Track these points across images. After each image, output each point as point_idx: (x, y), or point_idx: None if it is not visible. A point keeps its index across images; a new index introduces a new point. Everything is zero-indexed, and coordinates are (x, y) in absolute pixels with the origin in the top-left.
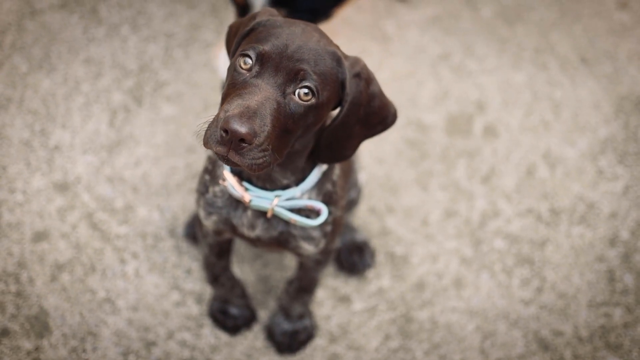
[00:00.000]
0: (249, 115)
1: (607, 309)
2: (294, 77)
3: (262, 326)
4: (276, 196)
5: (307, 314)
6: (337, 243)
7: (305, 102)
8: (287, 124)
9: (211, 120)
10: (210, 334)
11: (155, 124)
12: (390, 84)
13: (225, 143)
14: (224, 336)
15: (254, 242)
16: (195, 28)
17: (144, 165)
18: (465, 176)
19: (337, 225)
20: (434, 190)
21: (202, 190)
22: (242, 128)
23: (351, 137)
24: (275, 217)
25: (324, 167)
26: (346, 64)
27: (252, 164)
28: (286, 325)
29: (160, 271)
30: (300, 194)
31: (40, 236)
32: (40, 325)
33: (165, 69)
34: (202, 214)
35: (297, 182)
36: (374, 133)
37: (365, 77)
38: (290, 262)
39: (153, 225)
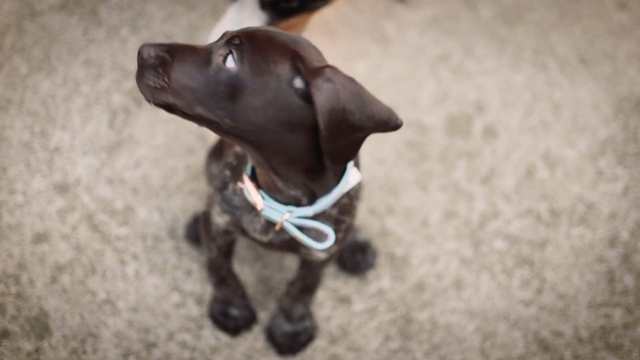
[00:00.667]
0: (156, 46)
1: (607, 309)
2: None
3: (262, 327)
4: (288, 211)
5: (308, 315)
6: (345, 243)
7: (229, 71)
8: (209, 87)
9: None
10: (211, 335)
11: (155, 125)
12: (390, 85)
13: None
14: (224, 337)
15: (266, 245)
16: (195, 29)
17: (144, 167)
18: (465, 177)
19: (347, 232)
20: (433, 191)
21: (220, 186)
22: (143, 53)
23: (354, 144)
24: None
25: (344, 188)
26: (311, 65)
27: (138, 81)
28: (287, 327)
29: (160, 272)
30: (313, 213)
31: (40, 237)
32: (40, 327)
33: None
34: (216, 209)
35: (308, 198)
36: (375, 131)
37: (341, 82)
38: (290, 263)
39: (153, 227)
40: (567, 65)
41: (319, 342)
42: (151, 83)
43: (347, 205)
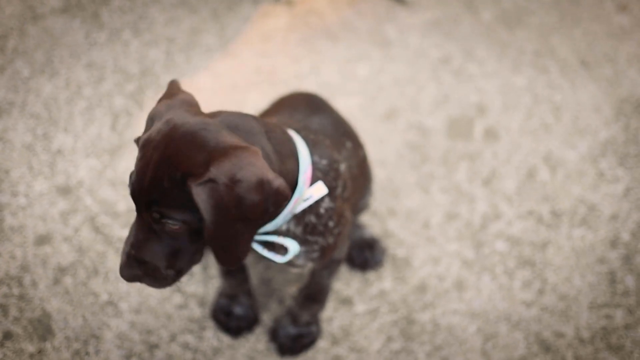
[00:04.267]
0: (129, 263)
1: (608, 310)
2: (153, 217)
3: (264, 329)
4: None
5: (314, 322)
6: (344, 252)
7: (177, 229)
8: (173, 246)
9: None
10: (213, 336)
11: None
12: (391, 88)
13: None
14: (226, 339)
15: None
16: (197, 33)
17: None
18: (466, 179)
19: (326, 252)
20: (435, 193)
21: None
22: (125, 276)
23: (237, 235)
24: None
25: (296, 209)
26: (195, 172)
27: (160, 287)
28: (292, 329)
29: None
30: (273, 228)
31: (43, 239)
32: (43, 328)
33: (166, 73)
34: None
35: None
36: (261, 224)
37: (224, 181)
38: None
39: None
40: (568, 68)
41: (321, 343)
42: (165, 282)
43: (316, 225)
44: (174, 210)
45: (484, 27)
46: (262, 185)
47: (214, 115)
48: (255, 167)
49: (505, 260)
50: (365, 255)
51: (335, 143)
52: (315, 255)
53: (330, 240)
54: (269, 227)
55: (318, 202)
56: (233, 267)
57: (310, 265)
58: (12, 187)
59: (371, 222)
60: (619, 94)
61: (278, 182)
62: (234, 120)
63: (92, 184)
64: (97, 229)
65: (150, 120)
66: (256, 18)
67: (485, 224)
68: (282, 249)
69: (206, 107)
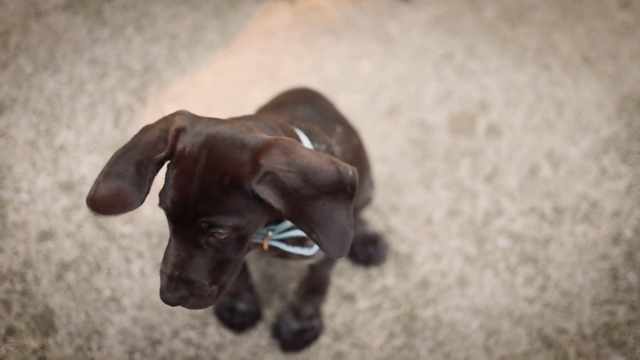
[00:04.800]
0: (174, 285)
1: (610, 306)
2: (200, 229)
3: (266, 325)
4: (269, 230)
5: (316, 316)
6: None
7: (225, 240)
8: (218, 260)
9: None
10: (215, 332)
11: None
12: (394, 84)
13: (170, 305)
14: (229, 335)
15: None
16: (199, 29)
17: None
18: (469, 175)
19: None
20: (437, 189)
21: None
22: (171, 299)
23: (329, 211)
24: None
25: None
26: (247, 172)
27: (203, 307)
28: (294, 325)
29: None
30: (291, 224)
31: (45, 235)
32: (46, 324)
33: (169, 70)
34: None
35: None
36: (349, 197)
37: (280, 168)
38: (295, 262)
39: (158, 225)
40: (571, 65)
41: (323, 339)
42: (207, 303)
43: None
44: (225, 217)
45: (486, 24)
46: (318, 160)
47: (230, 121)
48: (301, 148)
49: (507, 257)
50: (369, 250)
51: (325, 128)
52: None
53: None
54: (288, 222)
55: None
56: (341, 252)
57: (321, 256)
58: (14, 183)
59: (374, 218)
60: (621, 91)
61: (333, 159)
62: (251, 122)
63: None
64: (99, 225)
65: (175, 134)
66: (258, 15)
67: (488, 221)
68: (303, 242)
69: (208, 103)
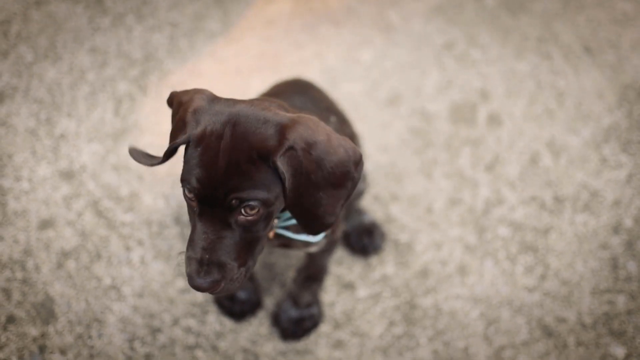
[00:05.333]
0: (205, 269)
1: (610, 296)
2: (230, 206)
3: (266, 313)
4: (275, 218)
5: (315, 302)
6: (340, 232)
7: (255, 216)
8: (247, 240)
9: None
10: (215, 320)
11: (160, 113)
12: (395, 73)
13: (199, 291)
14: (228, 323)
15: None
16: (200, 18)
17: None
18: (469, 164)
19: (335, 225)
20: (438, 178)
21: None
22: (203, 284)
23: (321, 204)
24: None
25: None
26: (272, 145)
27: (230, 292)
28: (293, 312)
29: (165, 258)
30: None
31: (46, 224)
32: (46, 312)
33: (170, 58)
34: None
35: None
36: (347, 192)
37: (301, 147)
38: (297, 250)
39: (158, 213)
40: (571, 54)
41: (323, 328)
42: (236, 286)
43: None
44: (255, 191)
45: (487, 13)
46: (335, 143)
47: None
48: (323, 128)
49: (507, 246)
50: (364, 241)
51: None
52: (329, 231)
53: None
54: None
55: None
56: (315, 234)
57: (323, 243)
58: (15, 172)
59: (374, 207)
60: (622, 80)
61: (349, 141)
62: (267, 102)
63: (95, 169)
64: (100, 214)
65: (193, 115)
66: (259, 4)
67: (488, 210)
68: None
69: None
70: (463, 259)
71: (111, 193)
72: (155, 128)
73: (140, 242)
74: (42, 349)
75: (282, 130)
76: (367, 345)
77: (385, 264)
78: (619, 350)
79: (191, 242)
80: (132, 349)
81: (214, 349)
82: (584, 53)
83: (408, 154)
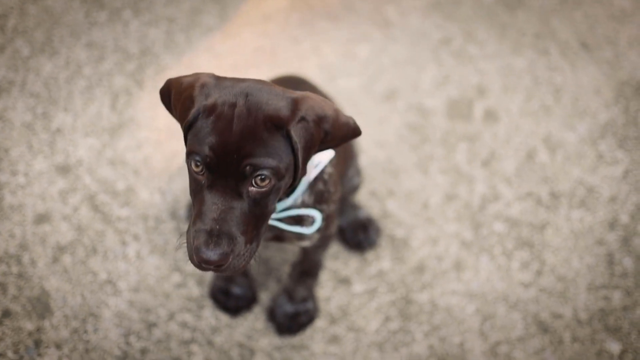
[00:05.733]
0: (214, 241)
1: (606, 292)
2: (244, 174)
3: (262, 308)
4: None
5: (310, 297)
6: (335, 228)
7: (265, 188)
8: (256, 214)
9: (187, 236)
10: (211, 315)
11: (157, 108)
12: (392, 68)
13: (204, 268)
14: (224, 317)
15: None
16: (197, 13)
17: (145, 148)
18: (466, 160)
19: (330, 218)
20: (434, 174)
21: None
22: (212, 257)
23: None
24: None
25: (311, 176)
26: (286, 115)
27: (237, 270)
28: (288, 307)
29: (161, 253)
30: (293, 202)
31: (42, 218)
32: (41, 307)
33: (166, 53)
34: None
35: (287, 191)
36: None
37: (313, 119)
38: (290, 245)
39: (154, 208)
40: (568, 50)
41: (318, 323)
42: (242, 264)
43: (323, 193)
44: (268, 159)
45: (484, 9)
46: (343, 120)
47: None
48: (331, 104)
49: (503, 242)
50: (359, 237)
51: None
52: (322, 224)
53: (332, 207)
54: (289, 201)
55: (322, 169)
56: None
57: (316, 237)
58: (11, 166)
59: (370, 203)
60: (619, 77)
61: (352, 119)
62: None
63: (92, 163)
64: (96, 208)
65: (201, 89)
66: (257, 0)
67: (484, 205)
68: (301, 222)
69: None
70: (459, 254)
71: (107, 187)
72: (151, 123)
73: (136, 237)
74: (37, 343)
75: (294, 102)
76: (362, 341)
77: (381, 259)
78: (615, 346)
79: (199, 215)
80: (127, 343)
81: (210, 343)
82: (581, 49)
83: (405, 149)
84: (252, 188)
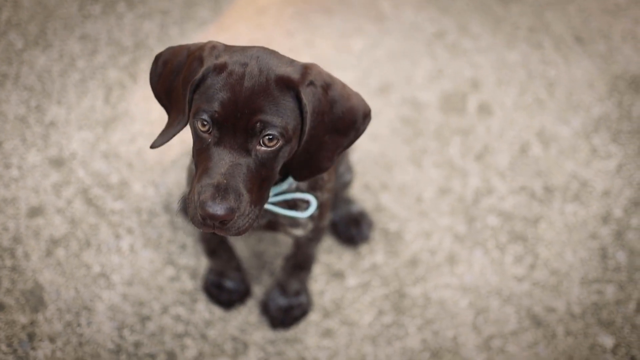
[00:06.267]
0: (221, 195)
1: (599, 286)
2: (253, 130)
3: (256, 301)
4: None
5: (303, 290)
6: (328, 219)
7: (273, 148)
8: (262, 175)
9: (189, 196)
10: (205, 308)
11: (151, 101)
12: (385, 62)
13: (208, 225)
14: (218, 311)
15: None
16: (191, 6)
17: (139, 142)
18: (459, 154)
19: (324, 208)
20: (428, 167)
21: (191, 181)
22: (218, 211)
23: (323, 148)
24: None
25: None
26: (296, 77)
27: (240, 231)
28: (282, 301)
29: (154, 246)
30: (288, 186)
31: (35, 211)
32: (35, 300)
33: (160, 46)
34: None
35: (283, 174)
36: (349, 141)
37: (321, 84)
38: (283, 238)
39: (148, 201)
40: (562, 44)
41: (312, 316)
42: (246, 225)
43: (317, 179)
44: (278, 118)
45: (478, 2)
46: (350, 92)
47: None
48: (337, 78)
49: (497, 235)
50: (351, 231)
51: None
52: (315, 212)
53: (326, 196)
54: (284, 185)
55: None
56: (305, 180)
57: (310, 226)
58: (5, 159)
59: (364, 196)
60: (613, 71)
61: (360, 96)
62: None
63: (85, 156)
64: (89, 201)
65: (211, 50)
66: None
67: (478, 199)
68: (295, 206)
69: None
70: (452, 248)
71: (101, 181)
72: (145, 116)
73: (129, 230)
74: (31, 336)
75: (304, 67)
76: (356, 334)
77: (374, 253)
78: (608, 340)
79: (206, 171)
80: (121, 337)
81: (203, 337)
82: (575, 43)
83: (398, 142)
84: (260, 147)
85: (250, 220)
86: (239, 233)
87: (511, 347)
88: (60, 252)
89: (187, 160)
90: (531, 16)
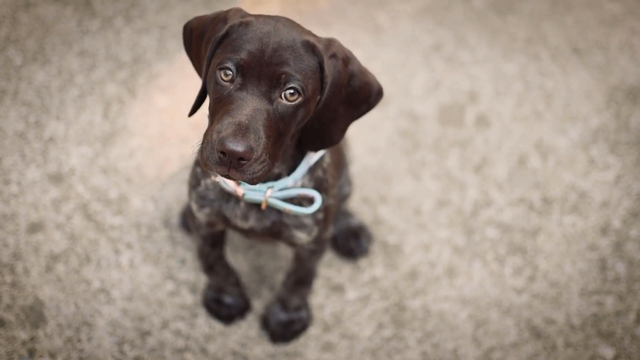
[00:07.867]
0: (242, 132)
1: (599, 297)
2: (277, 81)
3: (255, 316)
4: (269, 187)
5: (304, 305)
6: (330, 232)
7: (293, 102)
8: (279, 128)
9: (204, 141)
10: (205, 323)
11: (149, 115)
12: (383, 74)
13: (224, 163)
14: (218, 325)
15: (247, 233)
16: (188, 19)
17: (138, 156)
18: (458, 166)
19: (328, 213)
20: (426, 179)
21: (194, 183)
22: (238, 147)
23: (336, 120)
24: (269, 207)
25: (313, 154)
26: (320, 47)
27: (253, 178)
28: (282, 316)
29: (154, 261)
30: (293, 183)
31: (35, 227)
32: (35, 316)
33: (158, 61)
34: (194, 206)
35: (288, 170)
36: (360, 113)
37: (342, 57)
38: (283, 251)
39: (147, 216)
40: (559, 55)
41: (312, 330)
42: (260, 173)
43: (322, 180)
44: (301, 75)
45: (475, 14)
46: (366, 69)
47: None
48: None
49: (496, 247)
50: (350, 244)
51: None
52: (320, 216)
53: (330, 201)
54: (290, 181)
55: (322, 157)
56: (317, 150)
57: (315, 232)
58: (4, 175)
59: (362, 209)
60: (610, 81)
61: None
62: None
63: (84, 172)
64: (89, 217)
65: (236, 12)
66: (247, 5)
67: (476, 211)
68: (300, 202)
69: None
70: (451, 260)
71: (100, 196)
72: (144, 130)
73: (129, 245)
74: (31, 352)
75: (327, 40)
76: (356, 348)
77: (374, 266)
78: (608, 352)
79: (228, 113)
80: (121, 352)
81: (204, 351)
82: (572, 54)
83: (396, 155)
84: (282, 100)
85: (264, 170)
86: (252, 180)
87: (511, 359)
88: (60, 268)
89: (186, 174)
90: (528, 27)
